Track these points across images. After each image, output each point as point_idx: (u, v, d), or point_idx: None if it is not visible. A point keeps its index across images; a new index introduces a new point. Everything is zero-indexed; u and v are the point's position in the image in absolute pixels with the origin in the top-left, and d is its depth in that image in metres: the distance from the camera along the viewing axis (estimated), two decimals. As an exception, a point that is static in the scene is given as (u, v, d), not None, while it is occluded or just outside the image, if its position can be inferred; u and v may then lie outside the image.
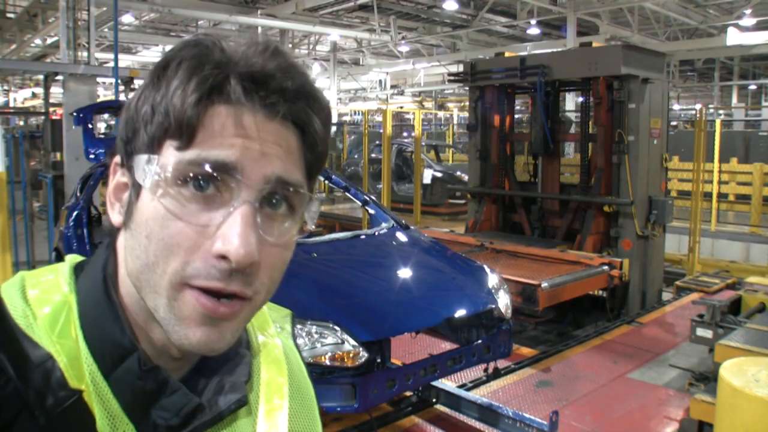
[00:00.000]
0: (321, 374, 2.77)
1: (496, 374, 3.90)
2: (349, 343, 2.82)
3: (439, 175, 11.52)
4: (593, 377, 4.45)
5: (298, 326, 2.79)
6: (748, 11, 14.21)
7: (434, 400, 3.84)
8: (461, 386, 4.05)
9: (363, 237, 4.05)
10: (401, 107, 23.33)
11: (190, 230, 0.54)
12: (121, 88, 9.25)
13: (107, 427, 0.55)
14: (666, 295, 6.94)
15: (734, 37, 13.93)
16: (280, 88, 0.56)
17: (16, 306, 0.56)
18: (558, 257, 6.21)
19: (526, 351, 5.10)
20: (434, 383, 3.67)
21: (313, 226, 0.61)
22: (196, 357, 0.63)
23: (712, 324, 4.31)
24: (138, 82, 9.34)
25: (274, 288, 0.60)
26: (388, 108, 12.20)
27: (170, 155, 0.54)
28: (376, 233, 4.06)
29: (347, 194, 4.74)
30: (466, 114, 11.79)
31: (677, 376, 4.50)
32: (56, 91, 12.88)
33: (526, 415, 3.46)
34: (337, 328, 2.84)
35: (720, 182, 10.78)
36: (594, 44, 6.83)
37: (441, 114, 23.86)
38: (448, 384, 3.89)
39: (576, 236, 6.68)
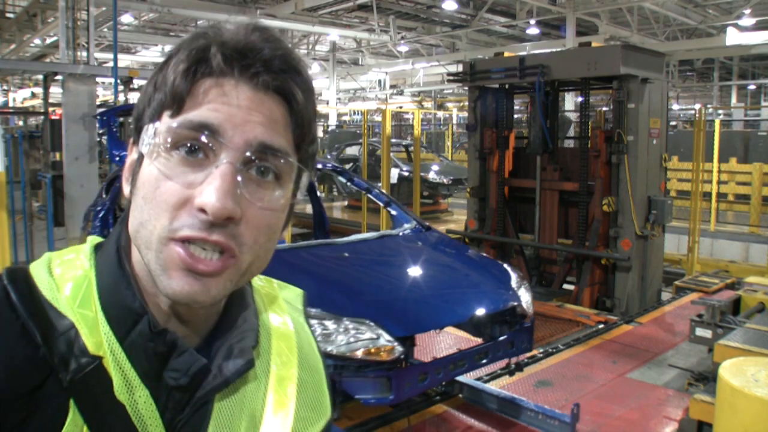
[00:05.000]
0: (357, 368, 2.91)
1: (518, 368, 3.98)
2: (384, 338, 2.93)
3: (406, 174, 11.79)
4: (593, 377, 4.46)
5: (334, 324, 2.92)
6: (748, 11, 14.22)
7: (459, 394, 4.01)
8: (477, 380, 4.18)
9: (389, 237, 4.17)
10: (400, 107, 23.32)
11: (178, 189, 0.59)
12: (121, 88, 9.22)
13: (123, 390, 0.60)
14: (665, 295, 6.95)
15: (733, 37, 13.93)
16: (261, 58, 0.61)
17: (43, 280, 0.62)
18: (554, 314, 6.26)
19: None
20: (458, 378, 3.80)
21: (300, 196, 0.65)
22: (206, 326, 0.68)
23: (711, 324, 4.31)
24: (138, 82, 9.33)
25: (264, 254, 0.64)
26: (388, 108, 12.21)
27: (163, 122, 0.60)
28: (401, 234, 4.18)
29: (369, 195, 4.84)
30: (465, 114, 11.79)
31: (676, 376, 4.50)
32: (56, 91, 12.88)
33: (548, 408, 3.54)
34: (372, 323, 2.96)
35: (719, 182, 10.79)
36: (593, 44, 6.82)
37: (440, 114, 23.84)
38: (468, 379, 4.04)
39: (576, 274, 6.66)
